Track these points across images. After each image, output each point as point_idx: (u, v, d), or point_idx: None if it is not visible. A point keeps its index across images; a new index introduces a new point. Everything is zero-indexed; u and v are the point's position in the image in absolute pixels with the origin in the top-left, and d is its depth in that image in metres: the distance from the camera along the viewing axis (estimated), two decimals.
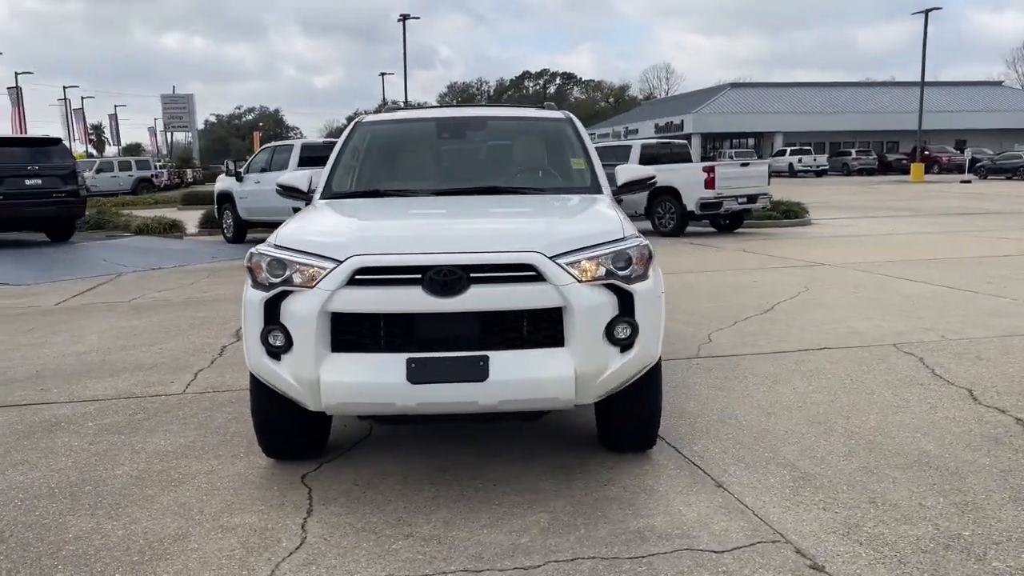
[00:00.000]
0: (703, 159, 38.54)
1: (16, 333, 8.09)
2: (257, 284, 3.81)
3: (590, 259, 3.72)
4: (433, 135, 5.55)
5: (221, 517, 3.74)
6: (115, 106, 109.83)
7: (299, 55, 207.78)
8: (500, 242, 3.76)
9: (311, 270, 3.69)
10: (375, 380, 3.61)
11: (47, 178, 15.81)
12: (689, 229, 16.89)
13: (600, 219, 4.13)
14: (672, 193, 15.44)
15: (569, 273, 3.65)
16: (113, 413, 5.33)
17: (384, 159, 5.43)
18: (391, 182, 5.19)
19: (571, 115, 5.26)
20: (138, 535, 3.58)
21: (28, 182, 15.62)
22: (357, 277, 3.64)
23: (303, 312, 3.66)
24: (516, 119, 5.59)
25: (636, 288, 3.77)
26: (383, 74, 64.45)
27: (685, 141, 19.14)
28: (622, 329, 3.74)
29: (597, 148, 16.87)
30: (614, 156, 16.84)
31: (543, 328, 3.66)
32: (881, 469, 4.13)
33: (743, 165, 16.04)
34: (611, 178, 5.06)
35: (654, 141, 18.27)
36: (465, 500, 3.88)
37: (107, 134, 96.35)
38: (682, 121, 65.21)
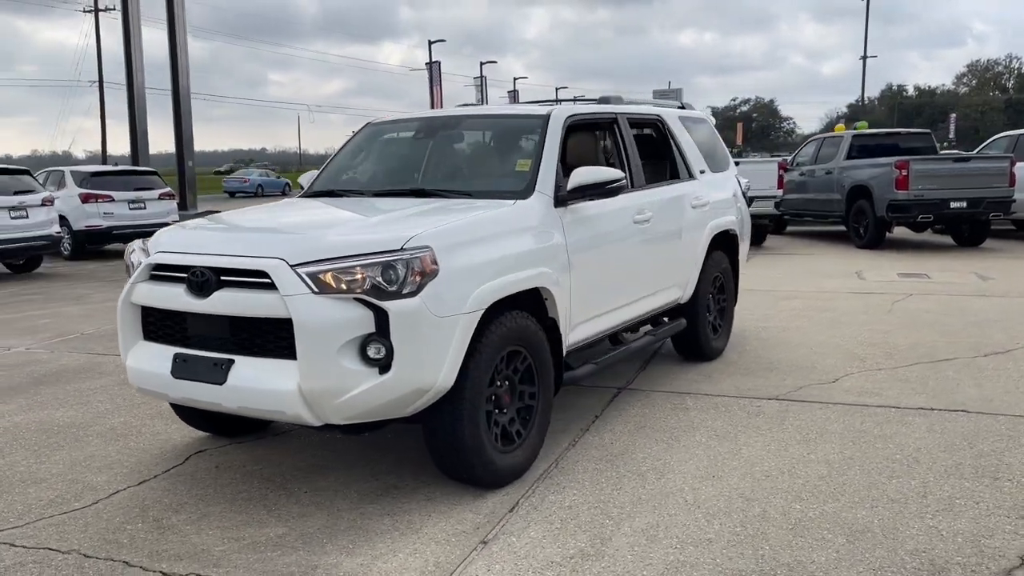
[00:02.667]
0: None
1: None
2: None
3: (339, 270, 3.45)
4: (410, 137, 5.43)
5: None
6: None
7: (807, 42, 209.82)
8: (255, 247, 3.63)
9: (135, 264, 4.00)
10: (153, 370, 3.88)
11: None
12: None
13: (398, 227, 3.77)
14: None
15: (306, 283, 3.40)
16: None
17: (360, 160, 5.47)
18: (349, 183, 5.22)
19: (558, 111, 4.77)
20: None
21: None
22: (153, 273, 3.77)
23: (118, 302, 3.98)
24: (490, 118, 5.27)
25: (392, 305, 3.42)
26: (863, 57, 52.27)
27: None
28: (376, 349, 3.43)
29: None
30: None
31: (281, 338, 3.48)
32: None
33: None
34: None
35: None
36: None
37: None
38: None
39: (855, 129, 16.20)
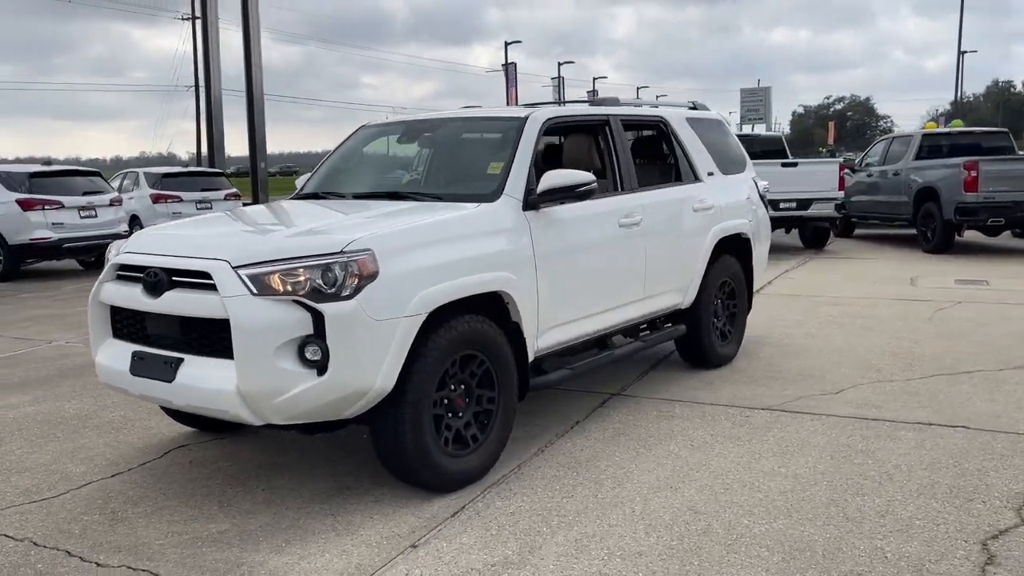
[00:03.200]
0: None
1: None
2: None
3: (279, 272, 3.51)
4: (396, 140, 5.48)
5: None
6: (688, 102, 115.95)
7: (908, 37, 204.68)
8: (204, 248, 3.72)
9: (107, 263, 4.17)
10: (116, 367, 4.02)
11: None
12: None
13: (343, 230, 3.81)
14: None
15: (246, 285, 3.47)
16: None
17: (349, 162, 5.53)
18: (333, 185, 5.27)
19: (537, 114, 4.74)
20: None
21: None
22: (119, 272, 3.93)
23: (88, 300, 4.21)
24: (473, 121, 5.25)
25: (327, 308, 3.46)
26: (962, 52, 49.75)
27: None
28: (313, 351, 3.48)
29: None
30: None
31: (224, 338, 3.56)
32: None
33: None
34: None
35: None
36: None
37: None
38: None
39: (950, 127, 15.50)
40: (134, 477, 4.30)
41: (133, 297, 3.87)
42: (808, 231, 14.66)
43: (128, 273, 3.97)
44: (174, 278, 3.73)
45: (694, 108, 6.51)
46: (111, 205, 13.68)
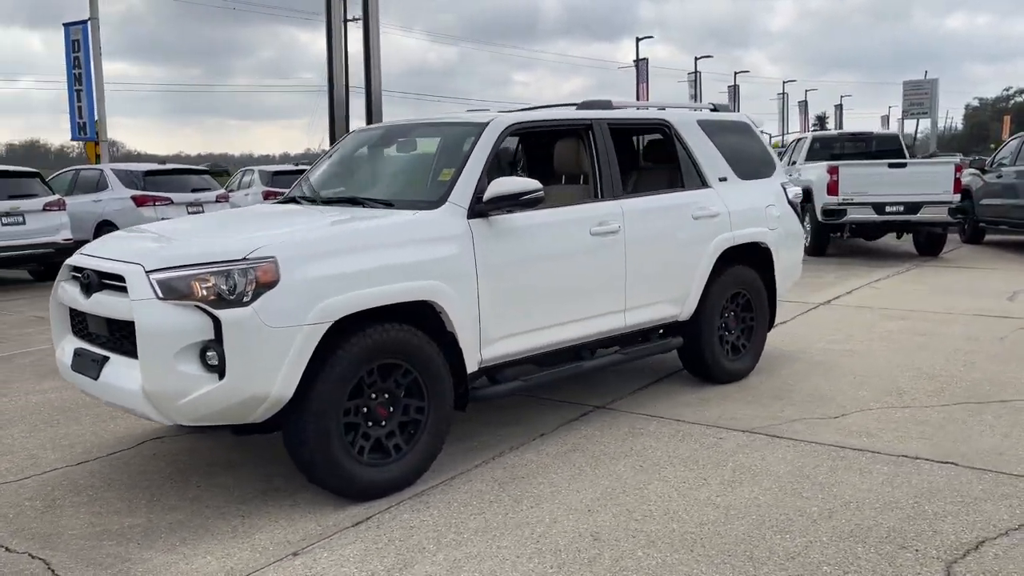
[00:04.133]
0: None
1: None
2: None
3: (184, 277, 3.61)
4: (371, 144, 5.52)
5: None
6: (841, 96, 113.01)
7: None
8: (128, 253, 3.88)
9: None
10: (65, 362, 4.28)
11: None
12: None
13: (253, 237, 3.86)
14: None
15: (154, 289, 3.59)
16: None
17: (331, 166, 5.54)
18: (310, 190, 5.34)
19: (499, 120, 4.68)
20: None
21: None
22: (72, 273, 4.17)
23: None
24: (439, 126, 5.18)
25: (224, 314, 3.53)
26: None
27: None
28: (212, 355, 3.56)
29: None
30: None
31: (135, 340, 3.68)
32: None
33: None
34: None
35: None
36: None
37: (830, 123, 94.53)
38: None
39: None
40: (95, 466, 4.53)
41: (75, 297, 4.08)
42: (921, 236, 13.70)
43: (76, 274, 4.19)
44: (104, 280, 3.89)
45: (715, 110, 6.19)
46: (45, 210, 11.89)
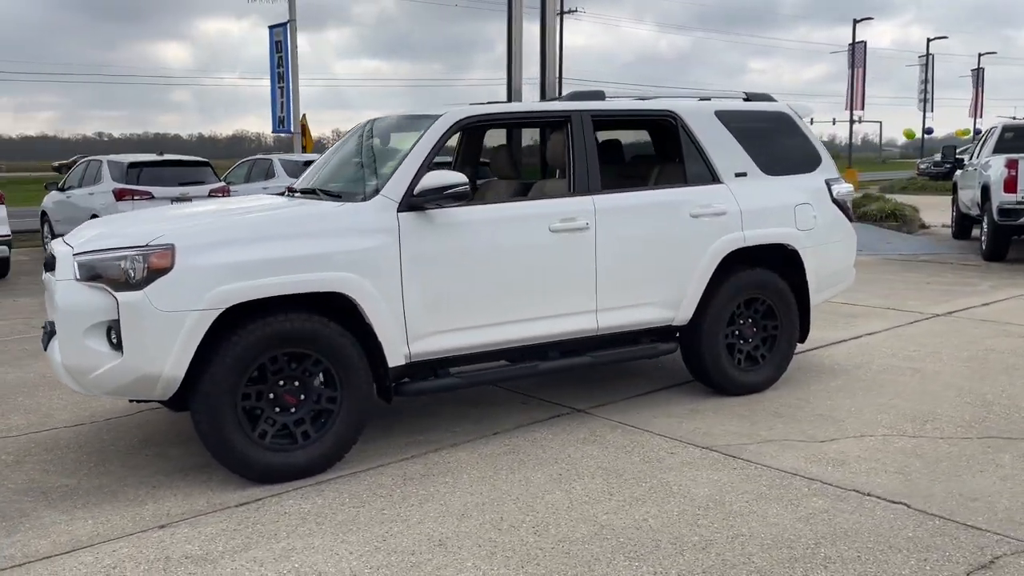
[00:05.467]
0: None
1: None
2: None
3: (96, 260, 3.90)
4: (358, 136, 5.57)
5: None
6: None
7: None
8: (76, 237, 4.24)
9: None
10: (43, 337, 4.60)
11: None
12: None
13: (163, 224, 4.09)
14: None
15: (74, 270, 3.92)
16: None
17: (330, 157, 5.58)
18: (302, 181, 5.49)
19: (452, 113, 4.63)
20: None
21: None
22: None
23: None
24: (405, 119, 5.12)
25: (121, 296, 3.80)
26: None
27: None
28: (114, 334, 3.84)
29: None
30: None
31: None
32: None
33: None
34: None
35: None
36: None
37: None
38: None
39: None
40: (87, 429, 4.98)
41: (49, 278, 4.49)
42: None
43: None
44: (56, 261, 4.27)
45: (747, 99, 5.71)
46: (211, 196, 11.73)
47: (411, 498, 3.89)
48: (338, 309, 4.17)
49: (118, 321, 3.80)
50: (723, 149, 5.31)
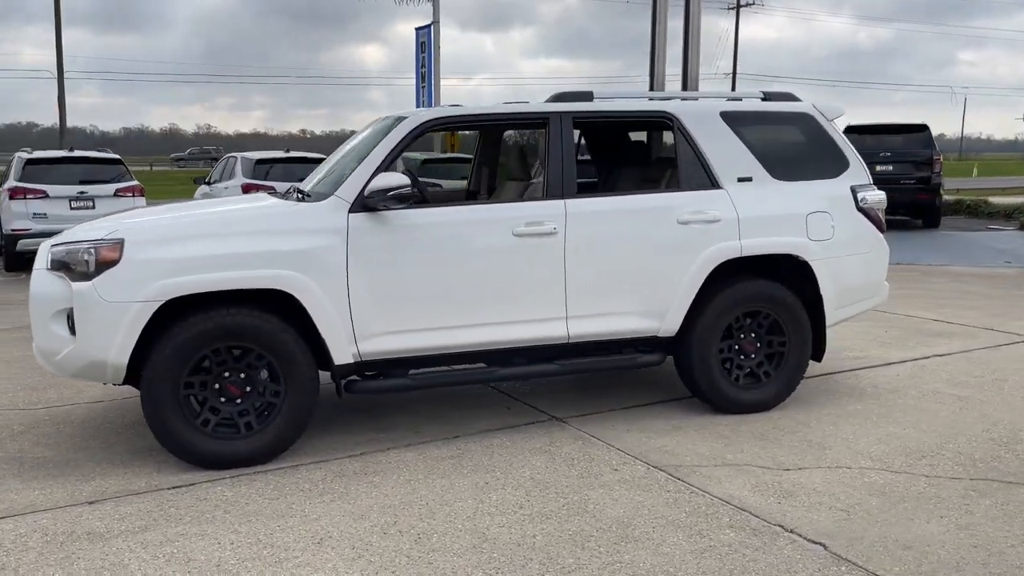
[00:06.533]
0: None
1: None
2: None
3: (62, 253, 4.23)
4: (358, 135, 5.61)
5: None
6: None
7: None
8: (67, 231, 4.59)
9: None
10: None
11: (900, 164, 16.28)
12: None
13: (125, 220, 4.35)
14: None
15: (47, 261, 4.28)
16: None
17: (336, 155, 5.59)
18: (307, 182, 5.62)
19: (416, 116, 4.64)
20: None
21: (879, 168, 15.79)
22: None
23: None
24: (382, 120, 5.14)
25: (74, 285, 4.10)
26: None
27: None
28: (71, 320, 4.17)
29: None
30: None
31: None
32: None
33: None
34: None
35: None
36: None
37: None
38: None
39: None
40: (57, 411, 5.23)
41: None
42: None
43: None
44: None
45: (766, 99, 5.34)
46: None
47: (328, 495, 3.95)
48: (289, 307, 4.29)
49: (73, 309, 4.10)
50: (725, 152, 5.01)
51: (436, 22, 21.62)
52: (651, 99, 5.28)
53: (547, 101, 4.98)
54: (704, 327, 4.92)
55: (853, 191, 5.23)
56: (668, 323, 4.89)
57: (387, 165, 4.49)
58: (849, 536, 3.46)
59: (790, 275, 5.11)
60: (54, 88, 30.41)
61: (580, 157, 5.51)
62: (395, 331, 4.46)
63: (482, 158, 6.03)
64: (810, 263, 5.05)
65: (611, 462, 4.32)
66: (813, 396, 5.41)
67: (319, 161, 15.22)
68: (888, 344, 6.94)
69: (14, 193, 12.09)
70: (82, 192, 12.24)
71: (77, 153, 13.18)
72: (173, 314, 4.12)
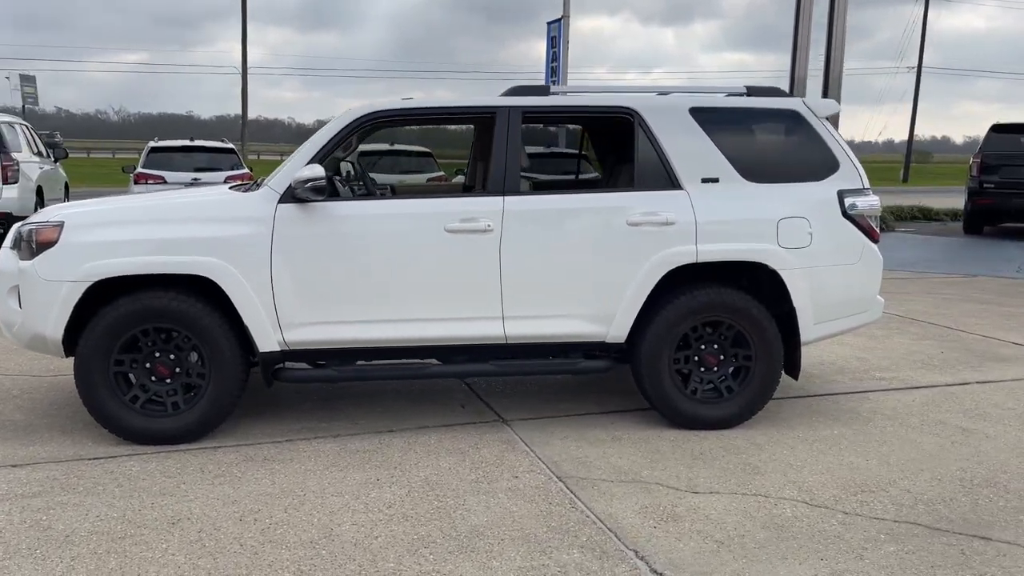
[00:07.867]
0: None
1: None
2: None
3: (19, 233, 4.57)
4: None
5: None
6: None
7: None
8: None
9: None
10: None
11: None
12: None
13: (79, 205, 4.60)
14: None
15: (11, 239, 4.64)
16: None
17: None
18: None
19: (355, 109, 4.64)
20: None
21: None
22: None
23: None
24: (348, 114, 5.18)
25: (20, 264, 4.42)
26: None
27: None
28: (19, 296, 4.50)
29: None
30: None
31: None
32: None
33: None
34: None
35: None
36: None
37: None
38: None
39: None
40: (58, 380, 5.60)
41: None
42: None
43: None
44: None
45: (749, 93, 4.95)
46: None
47: (222, 478, 4.04)
48: (221, 294, 4.42)
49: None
50: (689, 150, 4.70)
51: (566, 16, 21.54)
52: (614, 93, 5.01)
53: (502, 95, 4.84)
54: (654, 335, 4.64)
55: (840, 196, 4.77)
56: (616, 329, 4.66)
57: (321, 157, 4.52)
58: (697, 571, 3.17)
59: (764, 286, 4.74)
60: (269, 83, 32.57)
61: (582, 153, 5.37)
62: (320, 322, 4.49)
63: (477, 152, 5.96)
64: (780, 272, 4.65)
65: (517, 469, 4.17)
66: (791, 417, 5.00)
67: (422, 155, 15.64)
68: (931, 366, 6.29)
69: (138, 178, 13.17)
70: (196, 179, 13.12)
71: (196, 143, 14.14)
72: (108, 295, 4.34)
